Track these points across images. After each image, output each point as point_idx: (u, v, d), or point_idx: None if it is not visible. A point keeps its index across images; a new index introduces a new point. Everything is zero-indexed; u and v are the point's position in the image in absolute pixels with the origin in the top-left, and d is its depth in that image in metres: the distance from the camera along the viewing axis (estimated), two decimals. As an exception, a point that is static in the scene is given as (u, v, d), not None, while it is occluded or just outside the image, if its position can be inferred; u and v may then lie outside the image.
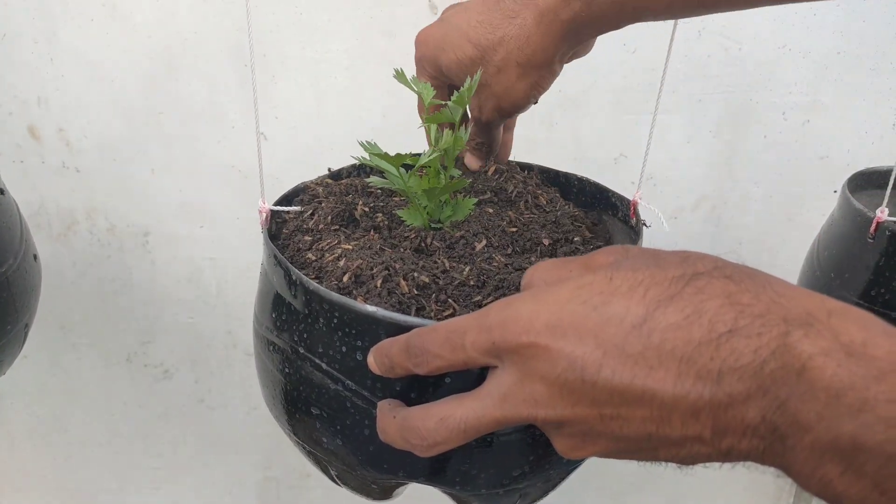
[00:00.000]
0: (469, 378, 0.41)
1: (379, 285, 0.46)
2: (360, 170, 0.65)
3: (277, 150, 1.04)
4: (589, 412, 0.34)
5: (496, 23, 0.56)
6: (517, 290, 0.45)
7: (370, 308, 0.43)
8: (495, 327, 0.36)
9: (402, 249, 0.51)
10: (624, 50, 0.99)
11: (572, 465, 0.50)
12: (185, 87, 1.01)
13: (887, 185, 0.70)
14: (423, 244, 0.52)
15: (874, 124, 1.02)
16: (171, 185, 1.07)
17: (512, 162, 0.65)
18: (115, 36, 0.98)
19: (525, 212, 0.57)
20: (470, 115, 0.62)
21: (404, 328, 0.41)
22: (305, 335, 0.47)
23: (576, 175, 0.65)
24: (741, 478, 1.30)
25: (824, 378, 0.29)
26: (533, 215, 0.56)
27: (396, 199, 0.59)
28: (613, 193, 0.62)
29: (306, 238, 0.53)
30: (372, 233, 0.53)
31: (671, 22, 0.57)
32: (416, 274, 0.46)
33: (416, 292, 0.46)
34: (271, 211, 0.56)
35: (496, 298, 0.45)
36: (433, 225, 0.55)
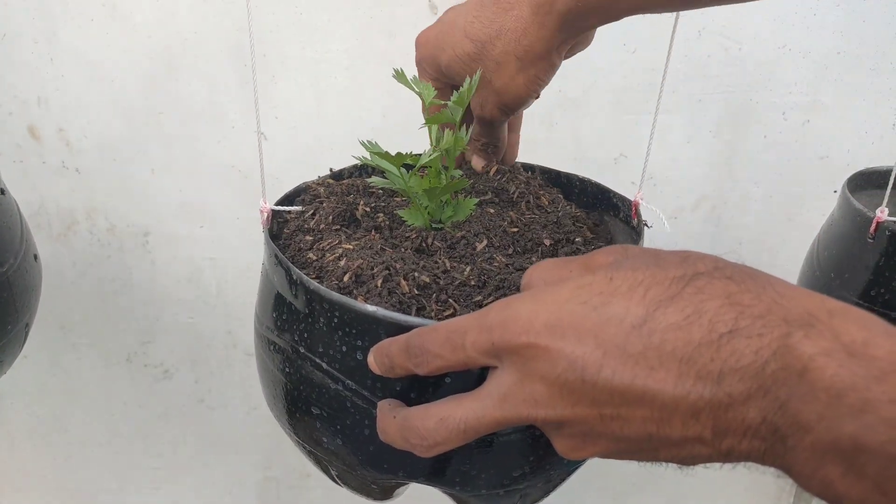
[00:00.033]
0: (469, 378, 0.41)
1: (379, 285, 0.46)
2: (362, 170, 0.65)
3: (277, 150, 1.04)
4: (589, 412, 0.34)
5: (493, 17, 0.55)
6: (518, 290, 0.45)
7: (370, 308, 0.43)
8: (495, 327, 0.36)
9: (402, 249, 0.51)
10: (624, 50, 0.99)
11: (573, 465, 0.50)
12: (185, 87, 1.01)
13: (887, 185, 0.70)
14: (423, 244, 0.52)
15: (874, 124, 1.03)
16: (171, 185, 1.07)
17: (516, 163, 0.65)
18: (115, 36, 0.98)
19: (526, 212, 0.57)
20: (473, 115, 0.62)
21: (404, 328, 0.41)
22: (306, 335, 0.47)
23: (577, 176, 0.65)
24: (742, 478, 1.30)
25: (825, 378, 0.29)
26: (534, 216, 0.56)
27: (398, 199, 0.59)
28: (615, 194, 0.62)
29: (307, 238, 0.53)
30: (373, 233, 0.53)
31: (671, 22, 0.57)
32: (416, 274, 0.46)
33: (416, 292, 0.46)
34: (272, 211, 0.56)
35: (497, 299, 0.45)
36: (434, 225, 0.55)
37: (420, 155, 0.53)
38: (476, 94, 0.58)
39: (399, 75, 0.55)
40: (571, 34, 0.55)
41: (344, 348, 0.45)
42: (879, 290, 0.73)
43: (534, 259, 0.51)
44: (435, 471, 0.46)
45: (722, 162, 1.06)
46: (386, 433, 0.41)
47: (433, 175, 0.53)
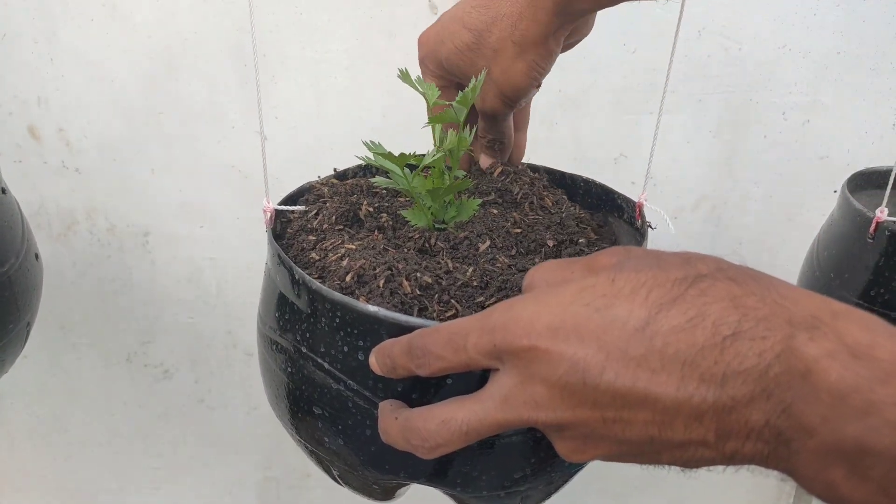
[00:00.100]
0: (471, 380, 0.41)
1: (381, 285, 0.46)
2: (366, 170, 0.65)
3: (277, 150, 1.03)
4: (591, 415, 0.34)
5: (489, 3, 0.55)
6: (521, 291, 0.45)
7: (372, 308, 0.43)
8: (497, 329, 0.36)
9: (405, 250, 0.51)
10: (624, 50, 0.99)
11: (574, 467, 0.50)
12: (185, 87, 1.01)
13: (887, 185, 0.70)
14: (426, 244, 0.52)
15: (874, 124, 1.03)
16: (171, 185, 1.07)
17: (522, 164, 0.65)
18: (115, 36, 0.98)
19: (530, 213, 0.57)
20: (477, 110, 0.61)
21: (406, 329, 0.41)
22: (308, 335, 0.47)
23: (582, 177, 0.65)
24: (744, 481, 1.30)
25: (829, 380, 0.29)
26: (538, 216, 0.56)
27: (401, 199, 0.59)
28: (619, 195, 0.62)
29: (310, 238, 0.53)
30: (376, 233, 0.53)
31: (672, 21, 0.56)
32: (418, 274, 0.46)
33: (418, 293, 0.46)
34: (276, 210, 0.56)
35: (499, 300, 0.45)
36: (437, 225, 0.55)
37: (423, 155, 0.53)
38: None
39: (404, 76, 0.55)
40: (568, 19, 0.55)
41: (346, 348, 0.45)
42: (879, 290, 0.73)
43: (537, 260, 0.51)
44: (436, 472, 0.46)
45: (722, 162, 1.06)
46: (387, 434, 0.41)
47: (437, 175, 0.53)
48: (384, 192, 0.59)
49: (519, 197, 0.58)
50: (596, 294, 0.35)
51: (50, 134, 1.04)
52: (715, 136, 1.05)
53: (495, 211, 0.56)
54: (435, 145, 0.56)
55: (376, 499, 0.52)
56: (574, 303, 0.35)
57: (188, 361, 1.22)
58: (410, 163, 0.51)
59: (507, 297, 0.45)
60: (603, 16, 0.58)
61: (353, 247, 0.50)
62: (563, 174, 0.66)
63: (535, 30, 0.54)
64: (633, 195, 0.61)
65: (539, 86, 0.58)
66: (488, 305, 0.44)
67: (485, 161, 0.63)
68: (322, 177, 0.63)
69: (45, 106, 1.02)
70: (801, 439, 0.30)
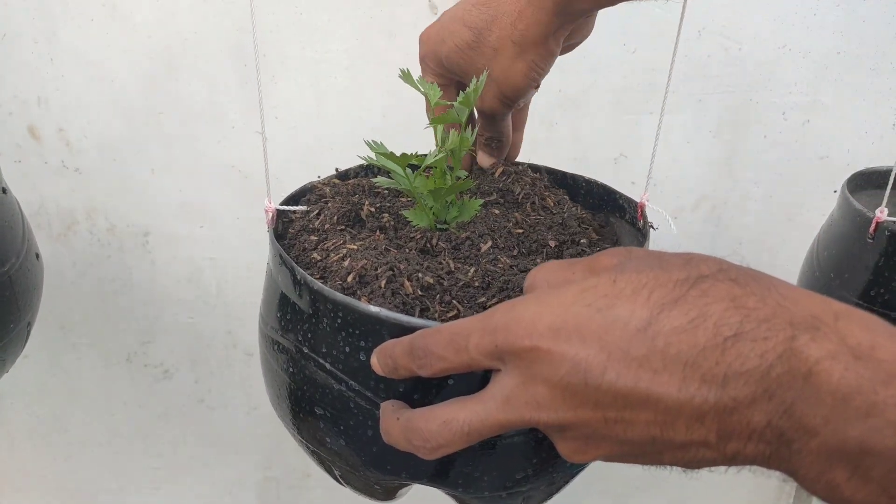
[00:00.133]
0: (472, 380, 0.41)
1: (383, 286, 0.46)
2: (368, 170, 0.65)
3: (277, 150, 1.03)
4: (592, 415, 0.34)
5: (489, 2, 0.55)
6: (522, 291, 0.45)
7: (374, 308, 0.43)
8: (499, 330, 0.36)
9: (407, 250, 0.51)
10: (624, 50, 0.99)
11: (576, 468, 0.50)
12: (185, 87, 1.01)
13: (887, 185, 0.70)
14: (428, 245, 0.52)
15: (874, 124, 1.03)
16: (171, 185, 1.07)
17: (523, 164, 0.65)
18: (115, 36, 0.98)
19: (531, 213, 0.57)
20: (475, 109, 0.61)
21: (408, 329, 0.41)
22: (310, 335, 0.47)
23: (583, 177, 0.65)
24: (746, 481, 1.30)
25: (831, 382, 0.29)
26: (539, 217, 0.56)
27: (403, 199, 0.59)
28: (621, 195, 0.62)
29: (312, 238, 0.53)
30: (378, 233, 0.53)
31: (672, 21, 0.56)
32: (420, 275, 0.46)
33: (420, 293, 0.46)
34: (277, 210, 0.56)
35: (501, 300, 0.45)
36: (439, 226, 0.55)
37: (425, 155, 0.53)
38: None
39: (406, 76, 0.55)
40: (568, 19, 0.54)
41: (347, 349, 0.45)
42: (879, 290, 0.73)
43: (538, 260, 0.51)
44: (438, 472, 0.46)
45: (722, 162, 1.06)
46: (389, 435, 0.41)
47: (438, 176, 0.53)
48: (386, 192, 0.59)
49: (520, 197, 0.58)
50: (598, 295, 0.35)
51: (50, 134, 1.04)
52: (715, 136, 1.05)
53: (497, 211, 0.56)
54: (437, 145, 0.56)
55: (378, 499, 0.52)
56: (576, 303, 0.35)
57: (188, 361, 1.22)
58: (412, 163, 0.51)
59: (509, 297, 0.45)
60: (603, 16, 0.58)
61: (355, 247, 0.50)
62: (564, 174, 0.66)
63: (535, 30, 0.54)
64: (633, 195, 0.61)
65: (538, 86, 0.58)
66: (490, 306, 0.44)
67: (483, 159, 0.64)
68: (323, 177, 0.63)
69: (45, 106, 1.02)
70: (802, 440, 0.30)
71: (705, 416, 0.32)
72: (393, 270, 0.46)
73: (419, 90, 0.56)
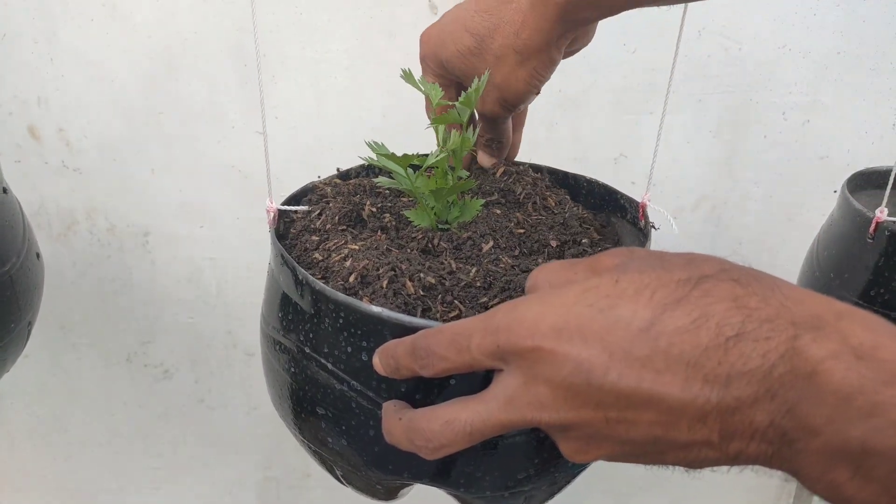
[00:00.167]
0: (474, 381, 0.41)
1: (385, 286, 0.46)
2: (369, 170, 0.65)
3: (278, 150, 1.03)
4: (594, 415, 0.34)
5: (492, 9, 0.55)
6: (524, 291, 0.45)
7: (375, 309, 0.43)
8: (501, 330, 0.36)
9: (408, 250, 0.51)
10: (624, 50, 0.99)
11: (578, 468, 0.50)
12: (185, 87, 1.01)
13: (887, 185, 0.71)
14: (429, 245, 0.52)
15: (874, 124, 1.03)
16: (171, 185, 1.07)
17: (524, 164, 0.65)
18: (115, 36, 0.98)
19: (533, 213, 0.57)
20: (476, 111, 0.62)
21: (410, 329, 0.41)
22: (311, 335, 0.47)
23: (585, 177, 0.65)
24: (747, 481, 1.30)
25: (834, 382, 0.29)
26: (541, 217, 0.56)
27: (404, 199, 0.59)
28: (622, 195, 0.62)
29: (313, 238, 0.53)
30: (379, 233, 0.53)
31: (672, 21, 0.57)
32: (422, 275, 0.46)
33: (422, 293, 0.46)
34: (279, 210, 0.56)
35: (503, 300, 0.45)
36: (440, 226, 0.55)
37: (427, 156, 0.53)
38: None
39: (407, 76, 0.55)
40: (570, 27, 0.55)
41: (349, 349, 0.45)
42: (879, 290, 0.73)
43: (540, 260, 0.51)
44: (440, 472, 0.46)
45: (722, 162, 1.07)
46: (391, 434, 0.41)
47: (440, 176, 0.53)
48: (387, 192, 0.59)
49: (522, 197, 0.58)
50: (600, 295, 0.35)
51: (50, 134, 1.04)
52: (715, 136, 1.05)
53: (498, 211, 0.56)
54: (438, 145, 0.56)
55: (379, 499, 0.52)
56: (578, 303, 0.35)
57: (188, 361, 1.22)
58: (413, 163, 0.51)
59: (511, 297, 0.45)
60: (603, 16, 0.58)
61: (357, 247, 0.50)
62: (565, 174, 0.66)
63: (538, 38, 0.54)
64: (634, 195, 0.61)
65: (539, 92, 0.59)
66: (492, 306, 0.44)
67: (483, 159, 0.64)
68: (323, 177, 0.63)
69: (45, 106, 1.02)
70: (805, 440, 0.30)
71: (708, 416, 0.32)
72: (395, 270, 0.46)
73: (421, 90, 0.56)
